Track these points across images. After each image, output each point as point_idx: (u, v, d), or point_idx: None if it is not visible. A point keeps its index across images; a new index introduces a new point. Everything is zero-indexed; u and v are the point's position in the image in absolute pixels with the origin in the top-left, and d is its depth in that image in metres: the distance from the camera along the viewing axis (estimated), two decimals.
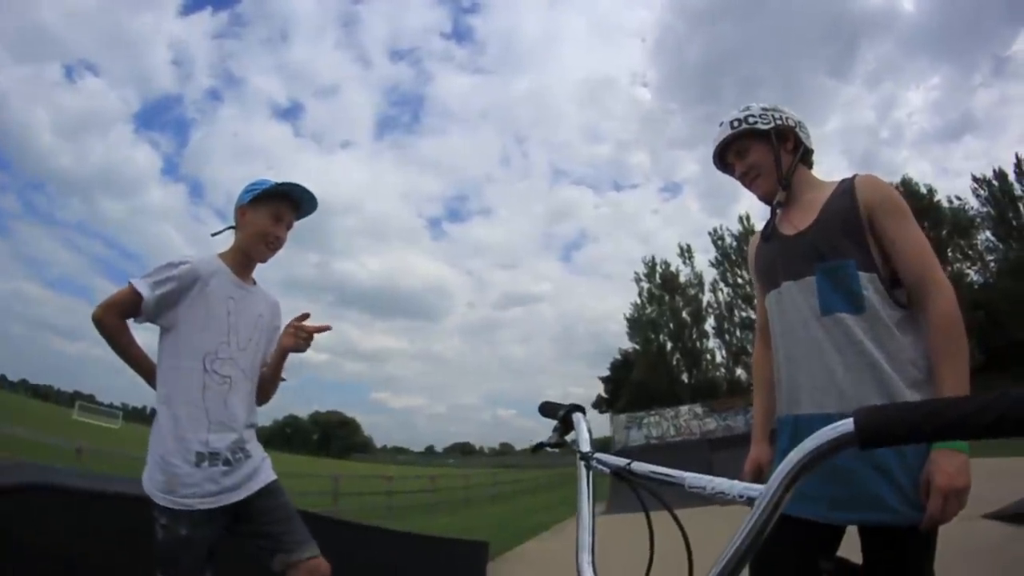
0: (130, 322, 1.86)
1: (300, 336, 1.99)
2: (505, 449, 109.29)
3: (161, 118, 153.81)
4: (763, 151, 1.71)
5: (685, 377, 47.35)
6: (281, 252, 2.03)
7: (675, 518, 0.79)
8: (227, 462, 1.80)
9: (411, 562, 4.57)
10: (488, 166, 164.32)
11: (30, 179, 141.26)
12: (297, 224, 2.06)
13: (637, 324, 50.92)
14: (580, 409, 1.17)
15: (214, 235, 2.04)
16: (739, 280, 48.33)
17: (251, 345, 1.95)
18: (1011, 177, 43.37)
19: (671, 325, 49.27)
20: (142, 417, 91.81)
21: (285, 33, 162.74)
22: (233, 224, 2.02)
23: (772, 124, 1.70)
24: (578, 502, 0.95)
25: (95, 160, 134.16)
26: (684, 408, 22.93)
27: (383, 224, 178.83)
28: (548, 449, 1.22)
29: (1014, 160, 43.53)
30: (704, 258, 51.50)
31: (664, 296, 50.73)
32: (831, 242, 1.57)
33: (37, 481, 2.55)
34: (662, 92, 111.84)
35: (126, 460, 14.05)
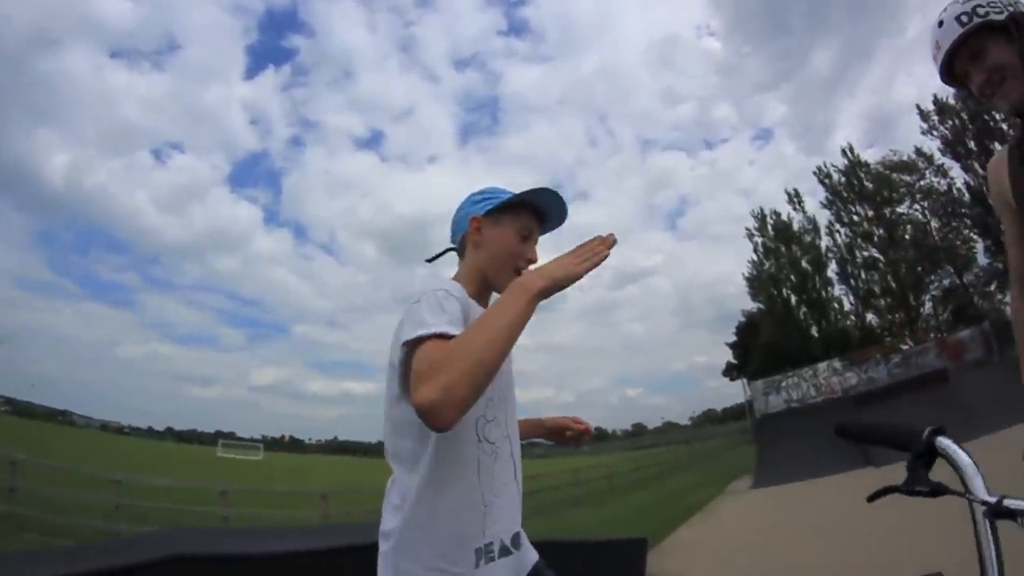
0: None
1: (581, 440, 1.76)
2: (637, 430, 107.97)
3: (252, 174, 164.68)
4: (1004, 48, 1.37)
5: (814, 331, 45.04)
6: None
7: None
8: (505, 551, 1.37)
9: (569, 570, 4.50)
10: (576, 150, 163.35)
11: (145, 255, 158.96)
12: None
13: (757, 282, 48.70)
14: (941, 431, 0.90)
15: (430, 260, 1.64)
16: (854, 218, 45.26)
17: (508, 396, 1.50)
18: None
19: (792, 277, 46.63)
20: (281, 446, 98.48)
21: (349, 70, 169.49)
22: (453, 245, 1.59)
23: (1005, 12, 1.36)
24: None
25: (201, 225, 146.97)
26: (822, 365, 21.93)
27: None
28: (906, 495, 0.91)
29: None
30: (814, 201, 48.34)
31: (780, 247, 47.96)
32: None
33: (182, 553, 2.59)
34: (731, 38, 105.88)
35: (269, 495, 14.96)
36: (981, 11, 1.37)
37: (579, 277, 1.25)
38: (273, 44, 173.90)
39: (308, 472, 33.75)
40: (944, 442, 0.87)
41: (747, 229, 50.08)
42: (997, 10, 1.36)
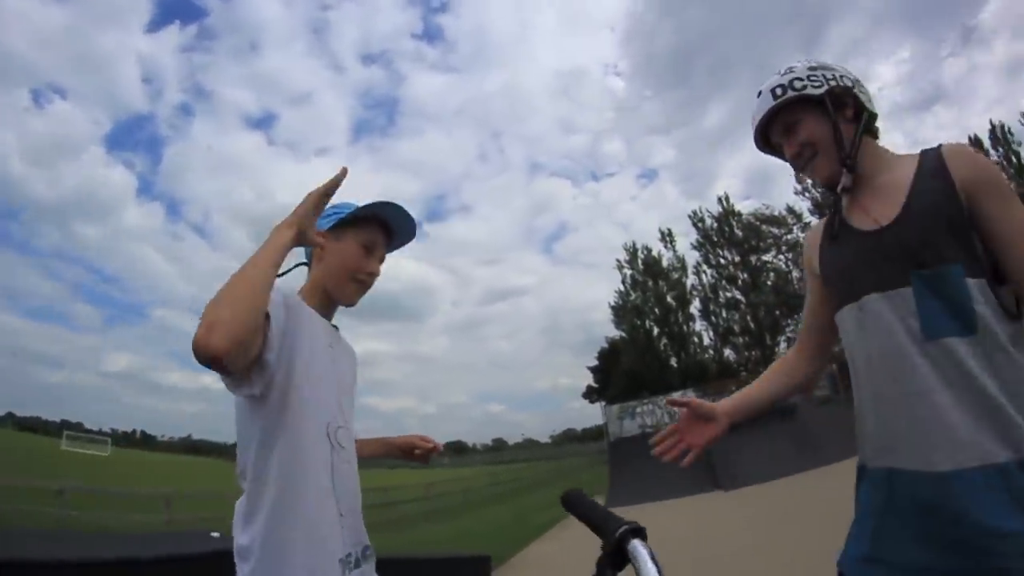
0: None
1: (428, 457, 1.83)
2: (498, 444, 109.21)
3: (134, 137, 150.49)
4: (817, 123, 1.36)
5: (674, 362, 47.44)
6: None
7: None
8: (358, 562, 1.35)
9: None
10: (465, 163, 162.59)
11: (2, 209, 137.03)
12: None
13: (622, 311, 50.82)
14: (640, 533, 0.83)
15: (281, 275, 1.48)
16: (721, 261, 48.73)
17: (350, 408, 1.51)
18: (987, 144, 43.04)
19: (656, 310, 49.13)
20: (131, 441, 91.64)
21: (255, 43, 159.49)
22: (305, 259, 1.58)
23: (824, 87, 1.35)
24: None
25: (69, 184, 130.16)
26: (677, 394, 22.90)
27: None
28: None
29: (988, 127, 43.01)
30: (686, 241, 51.46)
31: (648, 281, 50.56)
32: (929, 240, 1.22)
33: (8, 557, 2.46)
34: (635, 80, 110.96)
35: (110, 497, 13.71)
36: (798, 84, 1.36)
37: (317, 197, 1.31)
38: None
39: (157, 472, 31.44)
40: (636, 548, 0.80)
41: (618, 261, 52.49)
42: (816, 83, 1.35)
